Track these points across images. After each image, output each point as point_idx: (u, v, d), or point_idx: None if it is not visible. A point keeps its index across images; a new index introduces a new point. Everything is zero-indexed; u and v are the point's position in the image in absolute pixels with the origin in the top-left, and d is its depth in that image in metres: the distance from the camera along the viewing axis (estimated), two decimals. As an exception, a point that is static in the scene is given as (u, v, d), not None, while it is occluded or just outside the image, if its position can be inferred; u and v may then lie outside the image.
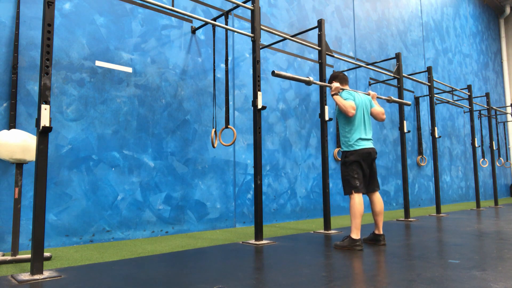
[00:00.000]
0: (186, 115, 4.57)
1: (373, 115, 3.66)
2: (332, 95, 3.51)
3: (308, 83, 3.59)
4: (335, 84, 3.52)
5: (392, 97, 4.19)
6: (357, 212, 3.29)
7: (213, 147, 4.49)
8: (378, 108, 3.66)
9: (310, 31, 6.16)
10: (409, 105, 4.68)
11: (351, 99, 3.43)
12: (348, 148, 3.43)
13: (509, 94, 13.39)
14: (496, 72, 13.15)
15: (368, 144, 3.45)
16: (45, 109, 2.39)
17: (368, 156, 3.42)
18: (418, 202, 8.31)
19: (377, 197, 3.49)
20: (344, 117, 3.47)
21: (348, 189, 3.37)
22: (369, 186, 3.49)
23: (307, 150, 6.01)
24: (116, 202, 3.91)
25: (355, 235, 3.23)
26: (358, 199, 3.31)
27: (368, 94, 3.72)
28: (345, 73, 6.84)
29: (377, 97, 3.91)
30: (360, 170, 3.39)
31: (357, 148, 3.40)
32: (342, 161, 3.48)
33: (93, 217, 3.74)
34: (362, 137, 3.44)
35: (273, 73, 3.33)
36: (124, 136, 4.03)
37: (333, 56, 4.86)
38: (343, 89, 3.56)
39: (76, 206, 3.64)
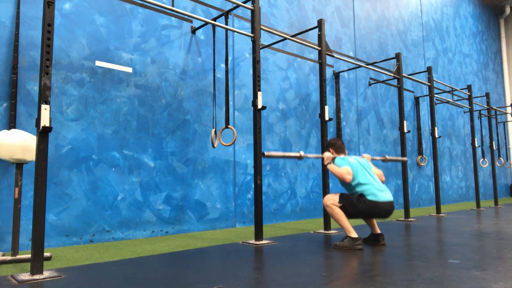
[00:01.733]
0: (186, 115, 4.57)
1: None
2: (326, 164, 3.45)
3: (300, 158, 3.51)
4: (327, 154, 3.47)
5: (387, 156, 4.09)
6: (340, 216, 3.27)
7: (213, 147, 4.49)
8: (376, 171, 3.54)
9: (310, 31, 6.16)
10: (405, 161, 4.52)
11: (345, 165, 3.33)
12: (367, 197, 3.23)
13: (509, 94, 13.39)
14: (496, 72, 13.15)
15: (387, 197, 3.27)
16: (45, 109, 2.39)
17: (387, 214, 3.27)
18: (418, 202, 8.31)
19: None
20: (348, 185, 3.36)
21: (342, 204, 3.28)
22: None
23: (307, 150, 6.01)
24: (116, 202, 3.91)
25: (353, 234, 3.23)
26: (335, 207, 3.30)
27: (362, 157, 3.62)
28: (345, 73, 6.85)
29: (372, 159, 3.84)
30: (367, 214, 3.29)
31: (377, 200, 3.21)
32: (359, 196, 3.29)
33: (93, 217, 3.74)
34: (379, 188, 3.28)
35: (263, 154, 3.23)
36: (124, 136, 4.03)
37: (333, 56, 4.86)
38: (335, 158, 3.46)
39: (76, 206, 3.65)
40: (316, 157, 3.66)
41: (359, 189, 3.29)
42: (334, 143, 3.61)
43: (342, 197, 3.34)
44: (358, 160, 3.44)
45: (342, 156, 3.50)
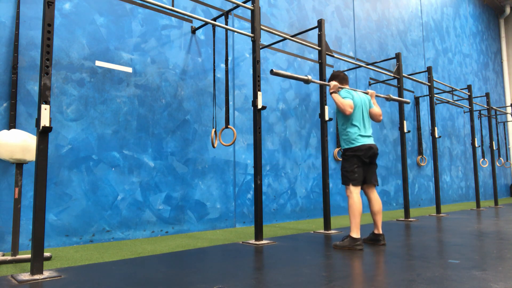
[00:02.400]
0: (186, 115, 4.57)
1: (370, 116, 3.65)
2: (331, 93, 3.52)
3: (307, 81, 3.60)
4: (333, 83, 3.53)
5: (391, 95, 4.19)
6: (356, 210, 3.29)
7: (213, 147, 4.49)
8: (376, 109, 3.66)
9: (310, 31, 6.16)
10: (408, 103, 4.67)
11: (349, 97, 3.44)
12: (349, 145, 3.43)
13: (509, 94, 13.39)
14: (496, 72, 13.15)
15: (369, 141, 3.46)
16: (45, 109, 2.39)
17: (369, 150, 3.41)
18: (418, 202, 8.31)
19: (375, 195, 3.50)
20: (343, 116, 3.48)
21: (346, 181, 3.40)
22: (367, 178, 3.49)
23: (307, 150, 6.01)
24: (116, 202, 3.91)
25: (355, 234, 3.23)
26: (356, 197, 3.32)
27: (367, 93, 3.72)
28: (345, 73, 6.84)
29: (376, 96, 3.92)
30: (360, 164, 3.39)
31: (358, 144, 3.40)
32: (342, 157, 3.50)
33: (93, 217, 3.74)
34: (362, 134, 3.44)
35: (271, 71, 3.35)
36: (124, 136, 4.03)
37: (333, 56, 4.86)
38: (341, 88, 3.56)
39: (76, 206, 3.65)
40: (324, 84, 3.81)
41: (348, 129, 3.44)
42: (337, 75, 3.69)
43: (343, 179, 3.44)
44: (361, 97, 3.55)
45: (347, 87, 3.59)
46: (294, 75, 3.57)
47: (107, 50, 3.97)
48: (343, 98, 3.44)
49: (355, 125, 3.43)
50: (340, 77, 3.66)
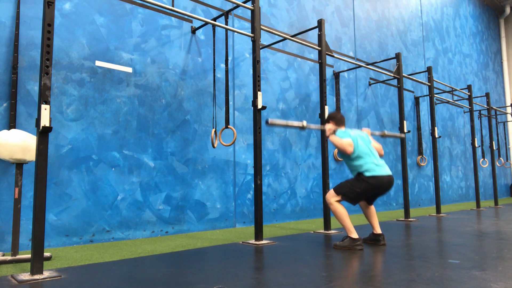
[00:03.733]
0: (186, 115, 4.57)
1: None
2: (327, 136, 3.47)
3: (302, 128, 3.53)
4: (329, 126, 3.48)
5: (386, 132, 4.13)
6: (342, 214, 3.28)
7: (213, 147, 4.49)
8: (376, 144, 3.56)
9: (310, 31, 6.16)
10: (403, 137, 4.61)
11: (346, 137, 3.35)
12: (364, 172, 3.26)
13: (509, 94, 13.39)
14: (496, 72, 13.15)
15: (386, 170, 3.31)
16: (45, 109, 2.39)
17: (388, 184, 3.28)
18: (418, 202, 8.31)
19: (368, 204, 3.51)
20: (348, 156, 3.37)
21: (342, 193, 3.31)
22: (367, 200, 3.47)
23: (307, 150, 6.01)
24: (116, 202, 3.91)
25: (354, 234, 3.24)
26: (338, 203, 3.31)
27: (363, 131, 3.64)
28: (345, 73, 6.85)
29: (372, 133, 3.86)
30: (368, 192, 3.28)
31: (375, 174, 3.23)
32: (356, 175, 3.32)
33: (93, 217, 3.74)
34: (377, 163, 3.31)
35: (266, 122, 3.26)
36: (124, 136, 4.03)
37: (333, 56, 4.86)
38: (336, 130, 3.48)
39: (76, 206, 3.65)
40: (319, 128, 3.71)
41: (358, 162, 3.30)
42: (334, 116, 3.63)
43: (338, 187, 3.34)
44: (359, 134, 3.48)
45: (342, 129, 3.52)
46: (289, 122, 3.48)
47: (107, 50, 3.97)
48: (340, 138, 3.36)
49: (364, 157, 3.31)
50: (337, 119, 3.57)
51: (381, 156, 3.52)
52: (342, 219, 3.28)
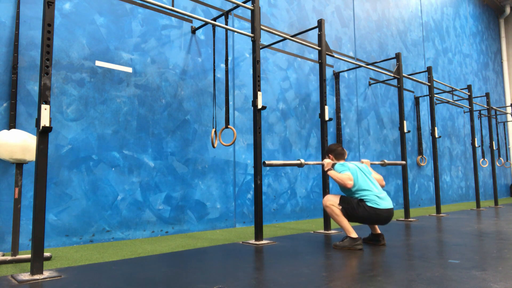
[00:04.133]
0: (186, 115, 4.57)
1: None
2: (326, 171, 3.47)
3: (300, 165, 3.55)
4: (327, 161, 3.48)
5: (386, 161, 4.13)
6: (339, 216, 3.28)
7: (213, 147, 4.49)
8: (376, 176, 3.54)
9: (310, 31, 6.16)
10: (404, 164, 4.61)
11: (345, 170, 3.34)
12: (367, 203, 3.23)
13: (509, 94, 13.39)
14: (496, 72, 13.15)
15: (387, 204, 3.26)
16: (45, 109, 2.39)
17: (386, 219, 3.26)
18: (418, 202, 8.31)
19: None
20: (348, 189, 3.36)
21: (342, 207, 3.29)
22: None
23: (307, 150, 6.01)
24: (116, 202, 3.91)
25: (353, 234, 3.24)
26: (334, 207, 3.31)
27: (362, 163, 3.64)
28: (345, 73, 6.85)
29: (371, 163, 3.85)
30: (366, 220, 3.28)
31: (377, 207, 3.20)
32: (359, 200, 3.29)
33: (93, 217, 3.74)
34: (379, 196, 3.27)
35: (264, 163, 3.31)
36: (124, 136, 4.03)
37: (333, 56, 4.86)
38: (335, 163, 3.48)
39: (76, 206, 3.65)
40: (317, 164, 3.69)
41: (358, 195, 3.30)
42: (334, 149, 3.62)
43: (342, 200, 3.34)
44: (358, 166, 3.45)
45: (341, 162, 3.51)
46: (286, 162, 3.52)
47: (107, 50, 3.97)
48: (339, 172, 3.35)
49: (366, 189, 3.29)
50: (337, 152, 3.58)
51: (382, 186, 3.49)
52: (340, 220, 3.29)
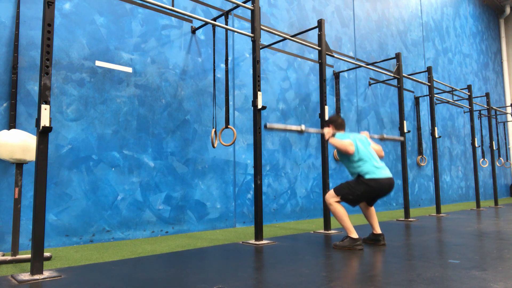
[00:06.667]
0: (186, 115, 4.57)
1: None
2: (327, 139, 3.46)
3: (301, 132, 3.53)
4: (327, 129, 3.47)
5: (384, 135, 4.12)
6: (342, 215, 3.28)
7: (213, 147, 4.49)
8: (375, 146, 3.54)
9: (310, 31, 6.16)
10: (402, 140, 4.60)
11: (346, 138, 3.35)
12: (364, 175, 3.24)
13: (509, 94, 13.39)
14: (496, 72, 13.15)
15: (387, 172, 3.29)
16: (45, 109, 2.39)
17: (389, 188, 3.26)
18: (418, 202, 8.31)
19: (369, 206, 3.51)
20: (348, 157, 3.34)
21: (342, 194, 3.29)
22: (367, 202, 3.46)
23: (307, 150, 6.01)
24: (116, 202, 3.91)
25: (354, 234, 3.24)
26: (337, 204, 3.31)
27: (361, 134, 3.62)
28: (345, 73, 6.85)
29: (370, 136, 3.85)
30: (369, 194, 3.27)
31: (375, 176, 3.21)
32: (356, 178, 3.31)
33: (93, 217, 3.74)
34: (377, 166, 3.28)
35: (265, 126, 3.28)
36: (124, 136, 4.03)
37: (333, 56, 4.86)
38: (335, 133, 3.48)
39: (76, 206, 3.65)
40: (318, 132, 3.68)
41: (357, 164, 3.29)
42: (335, 120, 3.60)
43: (338, 189, 3.33)
44: (357, 137, 3.47)
45: (341, 132, 3.51)
46: (287, 127, 3.46)
47: (107, 50, 3.97)
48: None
49: (365, 160, 3.29)
50: (337, 123, 3.57)
51: (381, 157, 3.50)
52: (342, 219, 3.29)
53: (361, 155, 3.31)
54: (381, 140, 4.11)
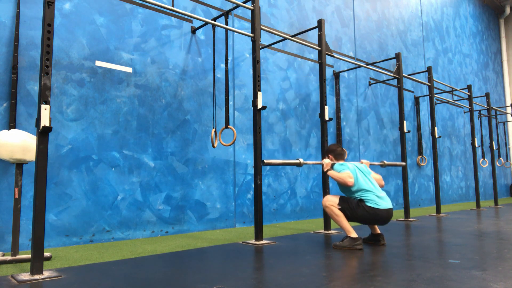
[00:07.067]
0: (186, 115, 4.57)
1: None
2: (325, 171, 3.47)
3: (299, 165, 3.56)
4: (326, 161, 3.48)
5: (385, 162, 4.12)
6: (339, 216, 3.29)
7: (213, 147, 4.49)
8: (375, 175, 3.54)
9: (310, 31, 6.16)
10: (404, 166, 4.62)
11: (345, 169, 3.34)
12: (367, 203, 3.22)
13: (509, 94, 13.39)
14: (496, 72, 13.15)
15: (387, 204, 3.25)
16: (45, 109, 2.39)
17: (386, 219, 3.25)
18: (418, 202, 8.31)
19: None
20: (348, 189, 3.35)
21: (341, 206, 3.29)
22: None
23: (307, 150, 6.01)
24: (116, 202, 3.91)
25: (353, 234, 3.24)
26: (334, 207, 3.32)
27: (361, 163, 3.63)
28: (345, 73, 6.85)
29: (370, 164, 3.85)
30: (366, 220, 3.27)
31: (377, 207, 3.19)
32: (358, 201, 3.28)
33: (93, 217, 3.74)
34: (378, 195, 3.27)
35: (263, 162, 3.33)
36: (124, 136, 4.03)
37: (333, 56, 4.86)
38: (334, 163, 3.48)
39: (76, 206, 3.65)
40: (316, 163, 3.69)
41: (358, 194, 3.30)
42: (334, 150, 3.62)
43: (342, 200, 3.34)
44: (357, 166, 3.46)
45: (341, 162, 3.52)
46: (285, 161, 3.52)
47: (107, 50, 3.97)
48: (339, 172, 3.36)
49: (366, 189, 3.28)
50: (337, 152, 3.58)
51: (381, 186, 3.50)
52: (340, 220, 3.29)
53: (360, 185, 3.30)
54: (382, 166, 4.11)
